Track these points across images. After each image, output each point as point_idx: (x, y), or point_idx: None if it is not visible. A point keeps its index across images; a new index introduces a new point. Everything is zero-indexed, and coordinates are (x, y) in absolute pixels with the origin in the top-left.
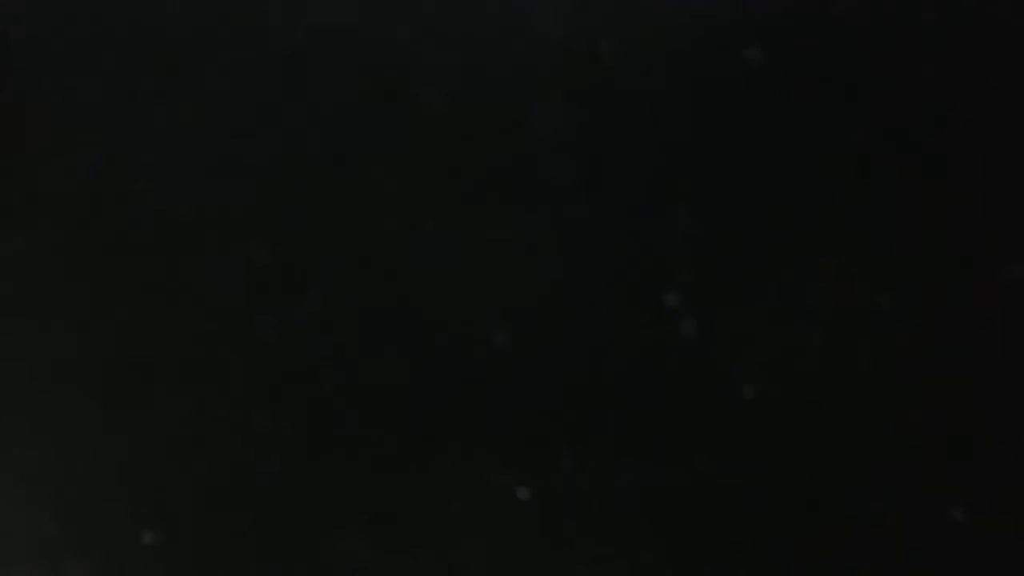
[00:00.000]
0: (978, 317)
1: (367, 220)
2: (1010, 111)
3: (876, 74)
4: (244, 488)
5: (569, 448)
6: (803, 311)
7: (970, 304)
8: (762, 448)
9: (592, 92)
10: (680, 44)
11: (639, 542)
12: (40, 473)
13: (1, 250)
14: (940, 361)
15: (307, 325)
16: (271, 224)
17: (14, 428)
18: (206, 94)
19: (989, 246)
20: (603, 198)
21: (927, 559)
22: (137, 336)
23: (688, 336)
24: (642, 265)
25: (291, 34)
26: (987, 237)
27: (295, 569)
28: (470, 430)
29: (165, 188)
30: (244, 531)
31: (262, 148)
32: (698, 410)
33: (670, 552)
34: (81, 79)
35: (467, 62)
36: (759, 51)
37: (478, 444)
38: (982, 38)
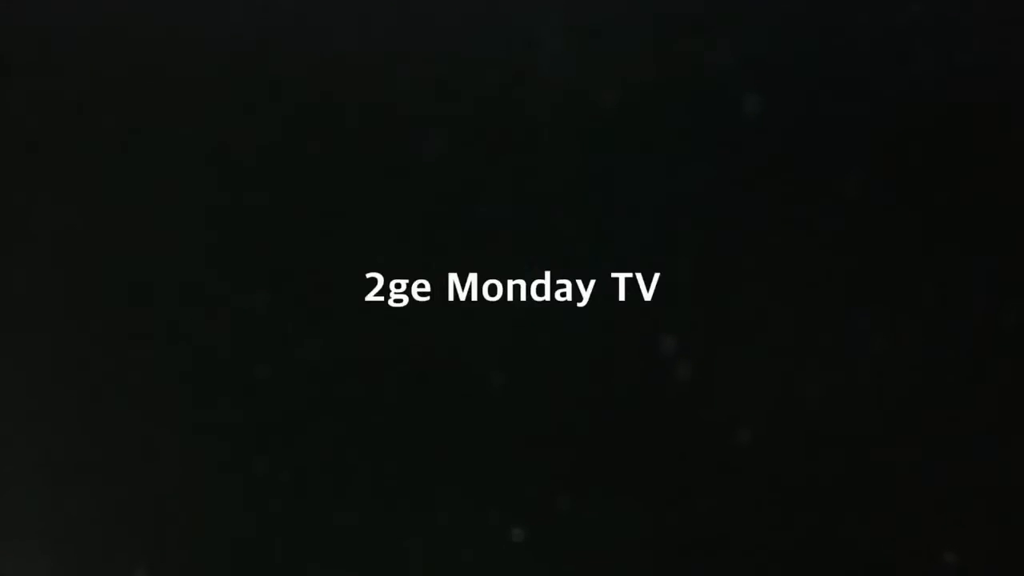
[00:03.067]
0: (978, 364)
1: (364, 266)
2: (1013, 162)
3: (877, 124)
4: (238, 528)
5: (565, 490)
6: (799, 356)
7: (969, 351)
8: (757, 492)
9: (591, 141)
10: (680, 93)
11: None
12: (32, 510)
13: None
14: (936, 406)
15: (303, 369)
16: (268, 272)
17: (6, 466)
18: (206, 142)
19: (989, 293)
20: (601, 244)
21: None
22: (133, 378)
23: (684, 380)
24: (638, 310)
25: (290, 86)
26: (987, 285)
27: None
28: (466, 470)
29: (162, 237)
30: (238, 572)
31: (260, 197)
32: (693, 453)
33: None
34: (77, 124)
35: (465, 111)
36: (759, 100)
37: (474, 484)
38: (984, 93)
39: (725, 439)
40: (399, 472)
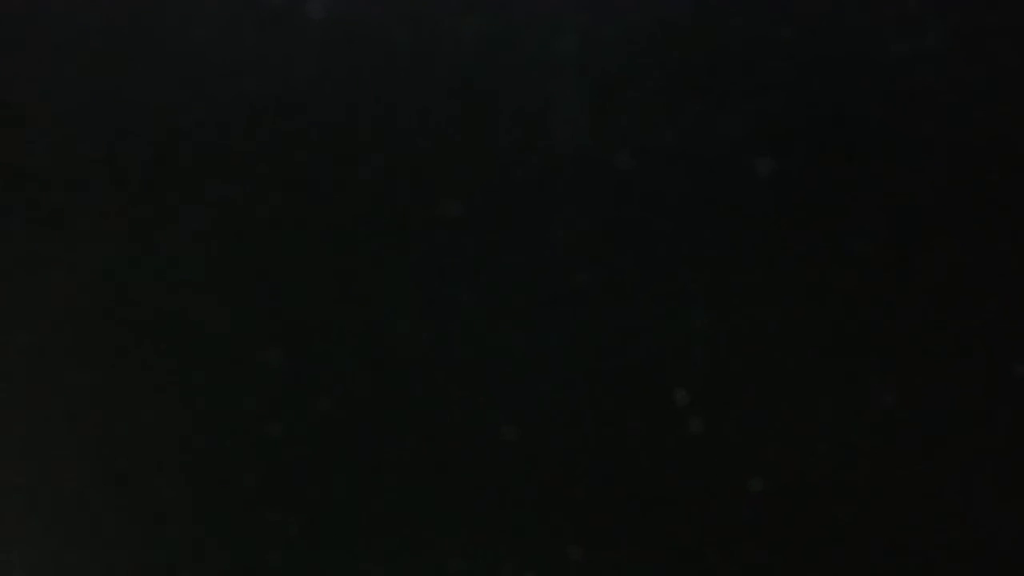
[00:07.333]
0: (981, 415)
1: (379, 319)
2: (1018, 218)
3: (887, 185)
4: None
5: (576, 541)
6: (809, 408)
7: (974, 402)
8: (769, 542)
9: (606, 201)
10: (694, 155)
11: None
12: (41, 567)
13: (7, 351)
14: (943, 456)
15: (316, 423)
16: (281, 326)
17: (18, 526)
18: (214, 195)
19: (992, 345)
20: (616, 300)
21: None
22: (146, 433)
23: (696, 433)
24: (652, 364)
25: (304, 139)
26: (990, 336)
27: None
28: (478, 522)
29: (174, 289)
30: None
31: (270, 250)
32: (705, 504)
33: None
34: (87, 176)
35: (482, 172)
36: (770, 163)
37: (486, 536)
38: (989, 151)
39: (735, 492)
40: (414, 525)
